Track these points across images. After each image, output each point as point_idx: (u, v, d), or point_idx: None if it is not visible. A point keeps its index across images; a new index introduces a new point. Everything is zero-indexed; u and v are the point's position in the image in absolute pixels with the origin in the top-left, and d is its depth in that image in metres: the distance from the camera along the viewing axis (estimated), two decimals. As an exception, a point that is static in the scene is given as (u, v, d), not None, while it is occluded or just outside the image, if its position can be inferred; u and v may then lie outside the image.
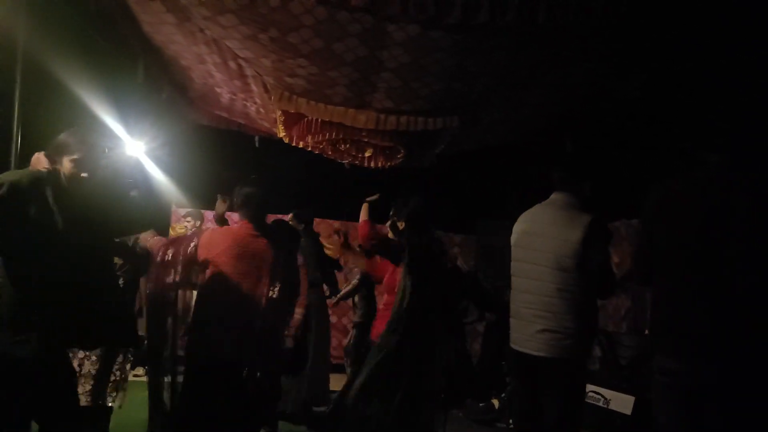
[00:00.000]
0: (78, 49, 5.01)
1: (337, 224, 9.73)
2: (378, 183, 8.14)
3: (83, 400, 3.51)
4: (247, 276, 3.17)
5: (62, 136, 2.57)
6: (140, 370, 5.62)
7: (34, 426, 2.51)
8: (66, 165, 2.51)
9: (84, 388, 3.56)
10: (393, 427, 3.51)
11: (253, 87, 5.58)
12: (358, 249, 5.33)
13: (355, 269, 6.87)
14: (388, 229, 4.06)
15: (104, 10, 4.64)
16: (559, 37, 4.25)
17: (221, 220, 4.73)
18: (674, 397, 2.21)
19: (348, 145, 6.44)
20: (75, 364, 3.43)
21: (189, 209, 7.18)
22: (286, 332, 4.81)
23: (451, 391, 3.92)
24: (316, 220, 9.32)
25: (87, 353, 3.62)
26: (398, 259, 3.88)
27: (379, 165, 6.78)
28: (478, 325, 7.54)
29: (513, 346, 3.22)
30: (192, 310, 3.28)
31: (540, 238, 3.15)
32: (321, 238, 6.55)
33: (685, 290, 2.19)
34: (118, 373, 3.96)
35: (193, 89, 6.21)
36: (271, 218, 4.11)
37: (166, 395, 3.24)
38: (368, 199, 4.50)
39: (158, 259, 3.24)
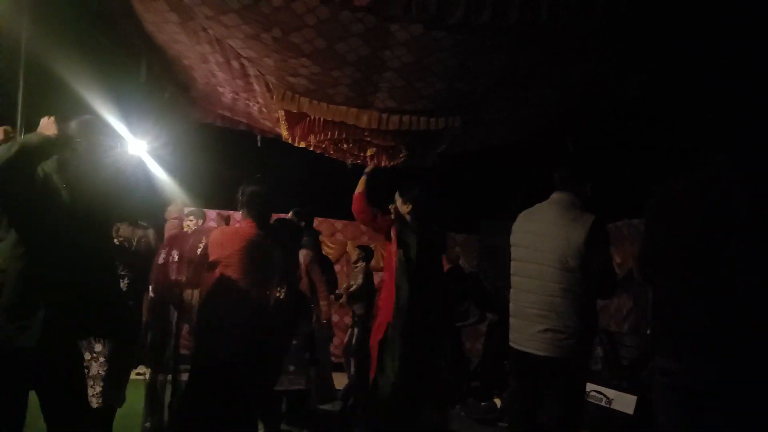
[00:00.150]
0: (81, 48, 5.03)
1: (339, 224, 9.77)
2: (380, 183, 8.18)
3: (94, 402, 3.52)
4: (255, 276, 3.17)
5: (73, 122, 2.60)
6: (142, 368, 5.62)
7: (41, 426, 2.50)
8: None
9: (94, 390, 3.56)
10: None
11: (256, 86, 5.59)
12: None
13: (360, 266, 6.86)
14: (392, 211, 3.95)
15: (107, 9, 4.65)
16: (560, 37, 4.25)
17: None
18: (674, 397, 2.21)
19: (350, 145, 6.44)
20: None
21: (191, 208, 7.18)
22: (316, 322, 4.86)
23: (448, 390, 3.92)
24: (318, 220, 9.36)
25: (94, 354, 3.63)
26: (385, 233, 3.81)
27: (382, 164, 6.79)
28: (480, 325, 7.54)
29: (513, 345, 3.21)
30: (196, 309, 3.27)
31: (543, 238, 3.14)
32: (323, 237, 6.56)
33: (685, 290, 2.19)
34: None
35: (196, 89, 6.23)
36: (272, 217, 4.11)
37: (166, 394, 3.24)
38: (366, 170, 4.30)
39: (161, 259, 3.23)
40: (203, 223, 6.72)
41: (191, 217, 6.70)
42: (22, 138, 2.41)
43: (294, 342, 4.59)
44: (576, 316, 3.02)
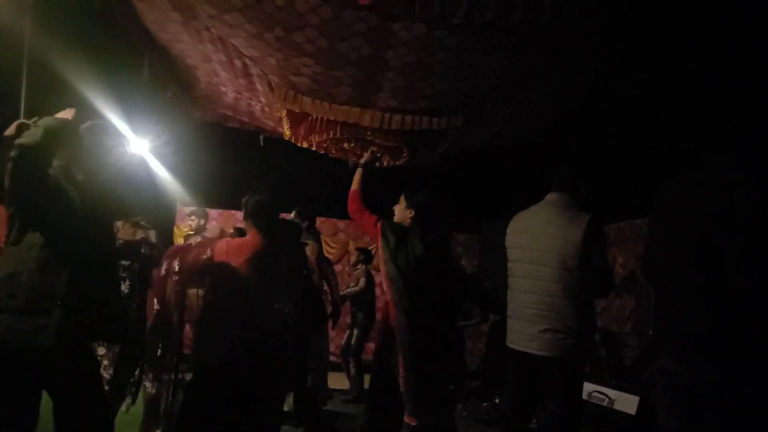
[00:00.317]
0: (83, 47, 5.03)
1: (341, 223, 9.77)
2: (382, 182, 8.18)
3: None
4: (262, 288, 3.16)
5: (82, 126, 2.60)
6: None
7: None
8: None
9: None
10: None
11: (258, 86, 5.60)
12: None
13: (360, 268, 6.87)
14: (396, 212, 3.90)
15: (110, 8, 4.66)
16: (562, 37, 4.25)
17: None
18: (675, 397, 2.21)
19: (352, 144, 6.44)
20: None
21: (193, 208, 7.19)
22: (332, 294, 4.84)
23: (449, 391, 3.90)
24: (320, 219, 9.35)
25: (98, 358, 3.61)
26: (371, 232, 3.72)
27: (384, 164, 6.79)
28: (483, 325, 7.54)
29: (512, 346, 3.21)
30: (200, 319, 3.24)
31: (541, 238, 3.14)
32: (325, 237, 6.56)
33: (686, 290, 2.19)
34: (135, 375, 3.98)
35: (198, 88, 6.23)
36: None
37: (161, 392, 3.22)
38: (362, 161, 3.97)
39: (164, 269, 3.23)
40: (205, 223, 6.73)
41: (193, 217, 6.71)
42: (41, 121, 2.38)
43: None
44: (575, 316, 3.03)
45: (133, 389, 4.08)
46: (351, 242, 9.45)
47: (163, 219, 7.03)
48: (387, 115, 5.46)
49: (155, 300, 3.25)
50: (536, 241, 3.16)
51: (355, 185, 3.83)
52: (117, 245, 3.71)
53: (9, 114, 4.14)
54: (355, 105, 5.42)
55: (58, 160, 2.45)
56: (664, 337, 2.30)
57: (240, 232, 4.84)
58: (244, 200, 3.39)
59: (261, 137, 7.43)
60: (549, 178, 3.33)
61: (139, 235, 4.21)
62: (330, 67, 4.83)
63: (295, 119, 5.97)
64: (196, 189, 8.12)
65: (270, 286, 3.22)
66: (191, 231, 6.73)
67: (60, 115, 2.48)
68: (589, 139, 6.42)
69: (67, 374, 2.38)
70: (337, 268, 9.40)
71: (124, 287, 3.99)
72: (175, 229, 8.53)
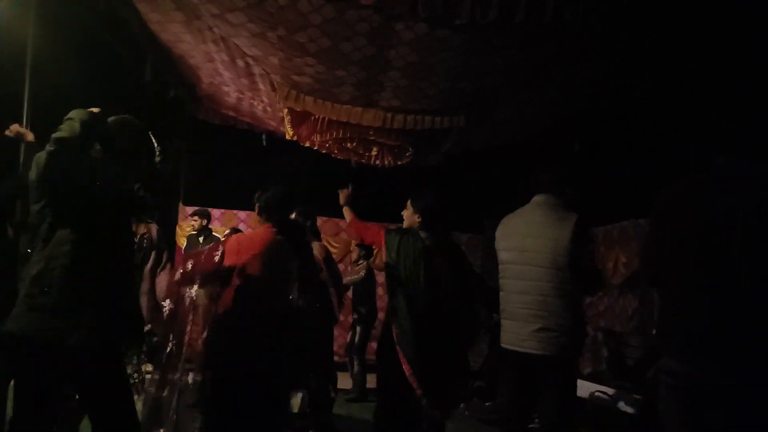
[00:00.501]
0: (86, 47, 5.04)
1: (343, 223, 9.77)
2: (384, 182, 8.19)
3: None
4: (275, 281, 3.14)
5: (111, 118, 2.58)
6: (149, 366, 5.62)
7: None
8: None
9: None
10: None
11: (261, 85, 5.61)
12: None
13: (362, 264, 6.86)
14: (404, 218, 3.93)
15: (113, 9, 4.66)
16: (565, 37, 4.25)
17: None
18: (678, 397, 2.20)
19: (355, 144, 6.45)
20: None
21: (196, 207, 7.20)
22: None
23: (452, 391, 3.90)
24: (322, 219, 9.36)
25: None
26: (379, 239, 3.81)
27: (386, 164, 6.79)
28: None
29: (507, 346, 3.24)
30: (214, 315, 3.23)
31: (532, 239, 3.19)
32: (327, 237, 6.55)
33: (690, 291, 2.18)
34: (135, 375, 3.96)
35: (201, 88, 6.24)
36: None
37: (166, 393, 3.21)
38: (341, 202, 4.20)
39: (180, 273, 3.21)
40: (208, 223, 6.75)
41: (195, 217, 6.73)
42: (75, 114, 2.34)
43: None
44: (567, 314, 3.08)
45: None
46: (353, 242, 9.45)
47: (166, 218, 7.05)
48: (389, 115, 5.46)
49: (166, 300, 3.24)
50: (527, 242, 3.21)
51: (348, 216, 4.09)
52: None
53: (12, 113, 4.15)
54: (358, 104, 5.43)
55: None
56: (668, 337, 2.30)
57: (236, 232, 4.83)
58: (257, 195, 3.36)
59: (263, 137, 7.44)
60: (534, 180, 3.37)
61: (142, 229, 4.21)
62: (332, 67, 4.83)
63: (298, 119, 5.98)
64: (198, 188, 8.14)
65: (283, 277, 3.19)
66: (194, 231, 6.74)
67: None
68: (591, 139, 6.42)
69: (96, 373, 2.34)
70: (340, 267, 9.40)
71: None
72: (178, 229, 8.54)
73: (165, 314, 3.19)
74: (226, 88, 6.01)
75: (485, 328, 6.93)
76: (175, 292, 3.18)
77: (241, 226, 9.22)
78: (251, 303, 3.06)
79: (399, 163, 6.65)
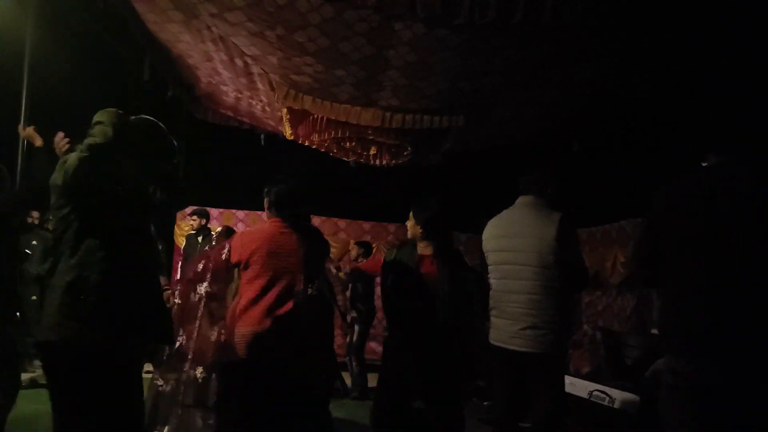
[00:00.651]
0: (85, 46, 5.04)
1: (342, 223, 9.77)
2: (383, 181, 8.19)
3: None
4: (283, 273, 3.13)
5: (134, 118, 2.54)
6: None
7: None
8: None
9: None
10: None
11: (259, 85, 5.60)
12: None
13: (362, 262, 6.85)
14: (408, 228, 3.96)
15: (112, 8, 4.66)
16: (562, 36, 4.26)
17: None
18: (682, 397, 2.19)
19: (353, 143, 6.45)
20: None
21: (195, 207, 7.19)
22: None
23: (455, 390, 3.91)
24: (321, 219, 9.35)
25: None
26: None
27: (385, 163, 6.79)
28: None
29: (497, 343, 3.30)
30: (228, 312, 3.24)
31: (520, 239, 3.26)
32: (326, 236, 6.52)
33: (693, 291, 2.18)
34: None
35: (199, 88, 6.23)
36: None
37: (169, 388, 3.21)
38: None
39: (192, 273, 3.25)
40: (207, 222, 6.74)
41: (194, 216, 6.72)
42: (101, 117, 2.33)
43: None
44: (555, 312, 3.14)
45: None
46: (352, 241, 9.45)
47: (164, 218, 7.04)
48: (388, 114, 5.46)
49: (177, 300, 3.26)
50: (513, 242, 3.29)
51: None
52: None
53: (11, 112, 4.15)
54: (357, 104, 5.43)
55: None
56: (673, 336, 2.28)
57: (228, 230, 4.83)
58: (266, 190, 3.35)
59: (262, 136, 7.44)
60: (519, 182, 3.44)
61: None
62: (331, 66, 4.83)
63: (296, 118, 5.97)
64: (198, 188, 8.12)
65: (291, 272, 3.16)
66: (193, 230, 6.74)
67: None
68: (590, 139, 6.42)
69: (126, 377, 2.33)
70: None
71: None
72: (176, 229, 8.53)
73: (173, 311, 3.20)
74: (224, 88, 6.00)
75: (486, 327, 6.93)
76: (186, 290, 3.19)
77: (240, 226, 9.21)
78: (258, 296, 3.08)
79: (397, 162, 6.65)
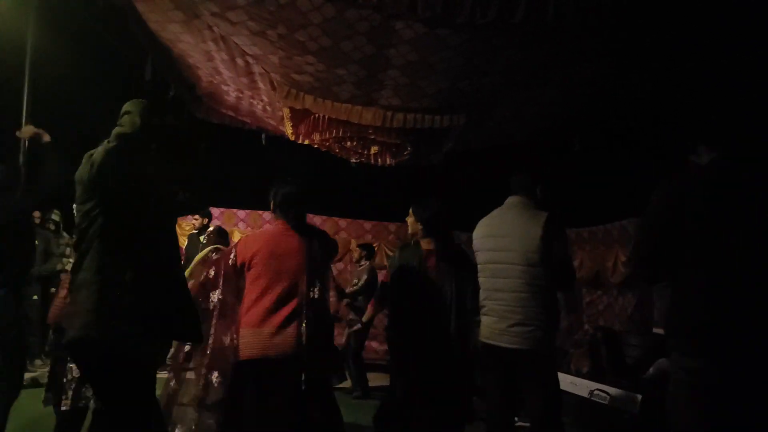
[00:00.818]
0: (86, 46, 5.04)
1: (343, 222, 9.77)
2: (384, 181, 8.18)
3: (68, 406, 3.32)
4: (285, 274, 3.13)
5: None
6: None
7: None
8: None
9: (67, 394, 3.33)
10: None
11: (260, 84, 5.60)
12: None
13: (364, 265, 6.85)
14: (408, 224, 3.97)
15: (113, 7, 4.66)
16: (563, 36, 4.26)
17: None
18: (694, 395, 2.17)
19: (354, 143, 6.44)
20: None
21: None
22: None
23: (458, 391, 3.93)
24: (322, 218, 9.36)
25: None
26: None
27: (386, 163, 6.79)
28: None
29: (486, 341, 3.35)
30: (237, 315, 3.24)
31: (507, 238, 3.32)
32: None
33: (703, 288, 2.16)
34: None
35: (201, 87, 6.23)
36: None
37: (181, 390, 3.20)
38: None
39: (204, 276, 3.27)
40: (209, 222, 6.75)
41: (196, 216, 6.73)
42: (130, 107, 2.31)
43: None
44: (542, 309, 3.21)
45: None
46: (353, 241, 9.45)
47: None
48: (389, 114, 5.46)
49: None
50: (501, 242, 3.36)
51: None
52: None
53: (12, 112, 4.15)
54: (358, 103, 5.43)
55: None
56: (684, 335, 2.26)
57: (219, 231, 4.85)
58: (272, 192, 3.35)
59: (263, 136, 7.43)
60: (508, 183, 3.54)
61: None
62: (332, 65, 4.83)
63: (297, 117, 5.97)
64: (198, 188, 8.10)
65: (294, 273, 3.17)
66: (195, 230, 6.75)
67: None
68: (591, 138, 6.42)
69: (151, 374, 2.34)
70: (339, 266, 9.40)
71: None
72: (178, 228, 8.53)
73: None
74: (225, 87, 6.00)
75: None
76: (197, 295, 3.18)
77: (241, 225, 9.22)
78: (262, 297, 3.08)
79: (397, 161, 6.65)
